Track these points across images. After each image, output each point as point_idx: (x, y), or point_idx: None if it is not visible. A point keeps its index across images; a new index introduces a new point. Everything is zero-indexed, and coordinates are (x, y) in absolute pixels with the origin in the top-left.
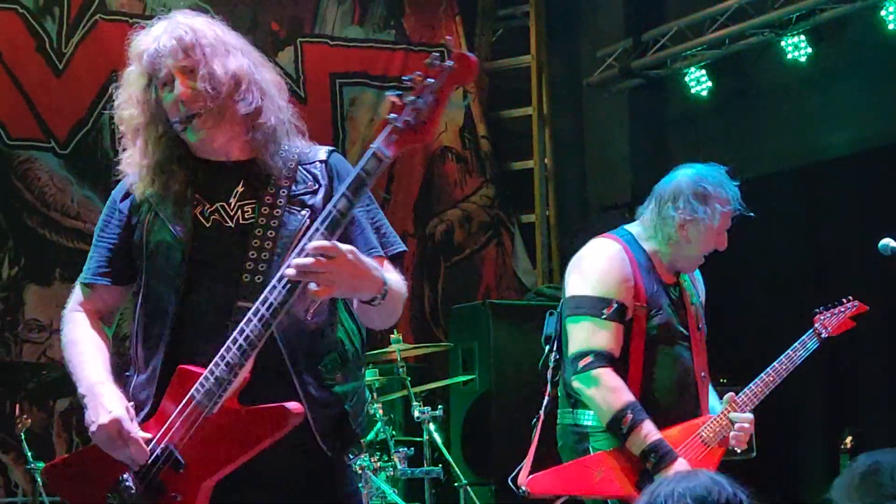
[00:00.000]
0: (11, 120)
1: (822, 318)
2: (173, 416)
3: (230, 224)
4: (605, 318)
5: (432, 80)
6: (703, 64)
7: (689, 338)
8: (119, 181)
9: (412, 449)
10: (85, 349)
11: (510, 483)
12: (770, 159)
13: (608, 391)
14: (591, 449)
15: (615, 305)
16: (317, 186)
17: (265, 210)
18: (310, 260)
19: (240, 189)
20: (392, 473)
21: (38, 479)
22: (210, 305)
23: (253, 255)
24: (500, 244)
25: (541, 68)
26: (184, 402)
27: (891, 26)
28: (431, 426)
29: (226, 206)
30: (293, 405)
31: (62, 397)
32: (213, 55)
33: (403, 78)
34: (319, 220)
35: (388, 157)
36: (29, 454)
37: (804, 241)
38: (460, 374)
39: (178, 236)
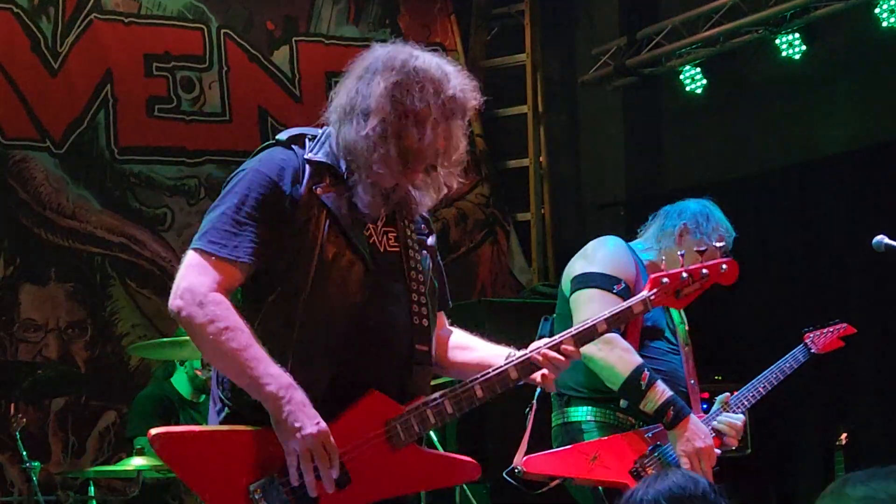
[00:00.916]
0: (6, 119)
1: (811, 336)
2: (357, 436)
3: (380, 248)
4: (616, 293)
5: (706, 273)
6: (697, 62)
7: (678, 347)
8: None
9: None
10: (255, 342)
11: (504, 476)
12: (764, 157)
13: (623, 351)
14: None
15: (623, 285)
16: (427, 231)
17: (409, 242)
18: (562, 360)
19: (382, 213)
20: None
21: (34, 479)
22: (385, 331)
23: (415, 297)
24: (495, 242)
25: (535, 66)
26: (379, 430)
27: (885, 24)
28: None
29: (375, 228)
30: (475, 462)
31: (57, 397)
32: (464, 131)
33: (681, 254)
34: (575, 329)
35: (650, 308)
36: (24, 453)
37: (798, 238)
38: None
39: (361, 251)
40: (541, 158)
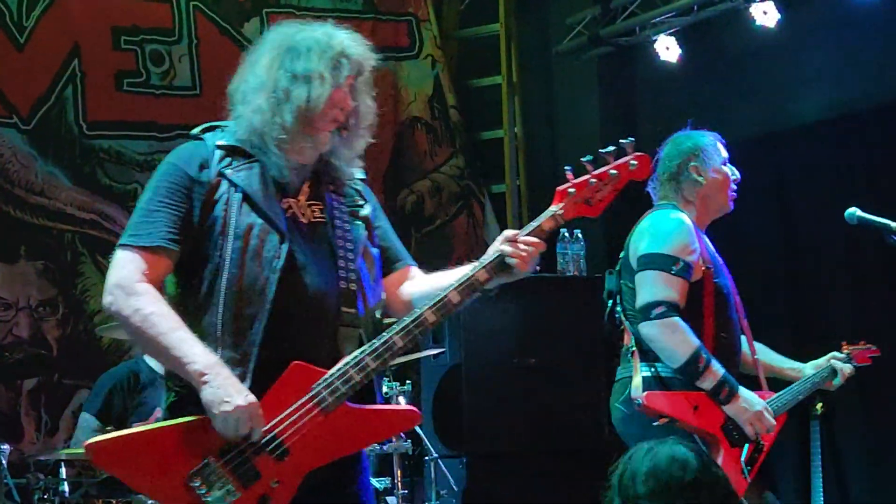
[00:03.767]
0: None
1: (849, 347)
2: (289, 408)
3: (304, 220)
4: (674, 273)
5: (615, 173)
6: (672, 31)
7: (736, 306)
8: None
9: None
10: (181, 325)
11: (618, 406)
12: (740, 126)
13: (684, 334)
14: None
15: (681, 263)
16: (363, 202)
17: (335, 213)
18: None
19: (306, 188)
20: None
21: (3, 462)
22: (313, 301)
23: (342, 263)
24: (470, 214)
25: (510, 37)
26: (306, 397)
27: None
28: (402, 400)
29: (298, 203)
30: (414, 409)
31: (29, 377)
32: (365, 90)
33: (585, 160)
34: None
35: (562, 222)
36: None
37: (774, 207)
38: (430, 347)
39: (274, 221)
40: (516, 129)
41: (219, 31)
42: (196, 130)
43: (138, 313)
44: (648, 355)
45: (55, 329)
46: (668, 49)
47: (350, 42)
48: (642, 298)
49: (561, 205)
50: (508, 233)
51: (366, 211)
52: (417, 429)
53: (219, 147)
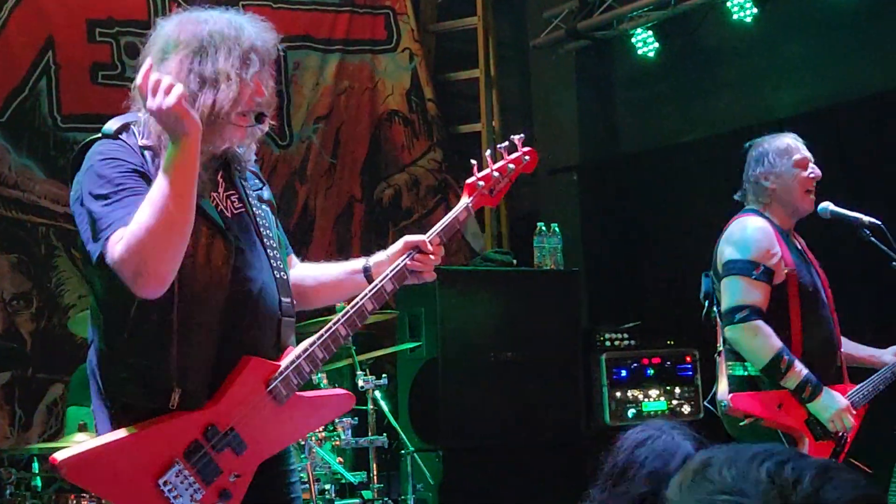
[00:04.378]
0: None
1: None
2: (243, 403)
3: (228, 214)
4: (755, 278)
5: (512, 167)
6: (649, 25)
7: (829, 305)
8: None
9: (356, 418)
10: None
11: (706, 404)
12: (716, 120)
13: (766, 337)
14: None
15: (762, 268)
16: (262, 185)
17: (251, 202)
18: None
19: (220, 179)
20: (337, 443)
21: None
22: (257, 294)
23: (271, 252)
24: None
25: (487, 30)
26: (262, 392)
27: None
28: (377, 394)
29: (218, 196)
30: (348, 392)
31: (3, 371)
32: (270, 75)
33: (487, 154)
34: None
35: (472, 212)
36: None
37: None
38: (407, 340)
39: (216, 221)
40: (493, 123)
41: None
42: (110, 130)
43: (139, 223)
44: (739, 355)
45: (29, 323)
46: (645, 43)
47: (257, 33)
48: (727, 303)
49: (472, 197)
50: (411, 241)
51: (267, 194)
52: (394, 422)
53: (143, 148)
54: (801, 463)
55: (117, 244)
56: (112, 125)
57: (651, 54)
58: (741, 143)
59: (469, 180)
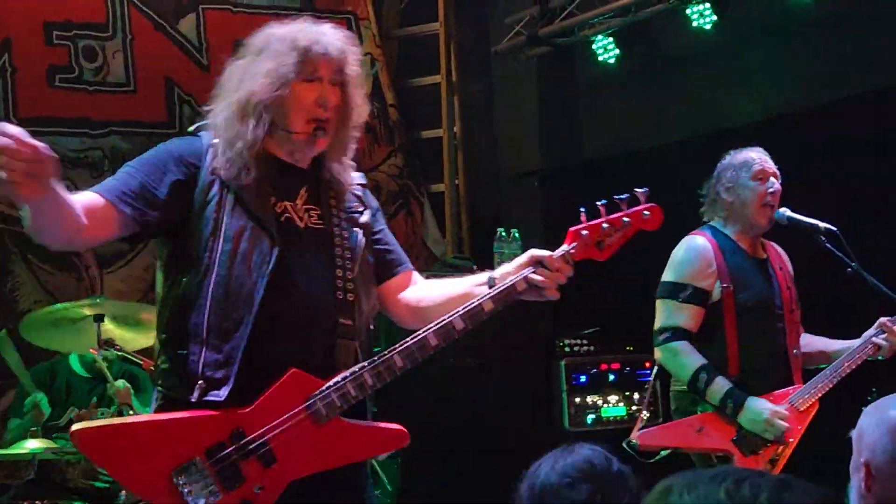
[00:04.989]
0: None
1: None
2: (283, 416)
3: (300, 225)
4: (681, 301)
5: (627, 221)
6: (610, 32)
7: (783, 314)
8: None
9: None
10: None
11: (623, 445)
12: (678, 126)
13: (685, 357)
14: (699, 410)
15: (690, 289)
16: (362, 208)
17: (334, 220)
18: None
19: (304, 192)
20: None
21: None
22: (305, 308)
23: (340, 272)
24: (409, 214)
25: (449, 36)
26: (301, 406)
27: None
28: None
29: (294, 207)
30: (402, 429)
31: None
32: (355, 84)
33: (600, 203)
34: (497, 290)
35: (572, 263)
36: None
37: None
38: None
39: (266, 225)
40: (455, 129)
41: (153, 26)
42: (192, 128)
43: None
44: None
45: None
46: (606, 49)
47: (319, 36)
48: (655, 325)
49: (573, 245)
50: (537, 255)
51: (365, 217)
52: None
53: (213, 145)
54: (759, 480)
55: None
56: (197, 124)
57: (612, 61)
58: (701, 150)
59: (573, 228)
